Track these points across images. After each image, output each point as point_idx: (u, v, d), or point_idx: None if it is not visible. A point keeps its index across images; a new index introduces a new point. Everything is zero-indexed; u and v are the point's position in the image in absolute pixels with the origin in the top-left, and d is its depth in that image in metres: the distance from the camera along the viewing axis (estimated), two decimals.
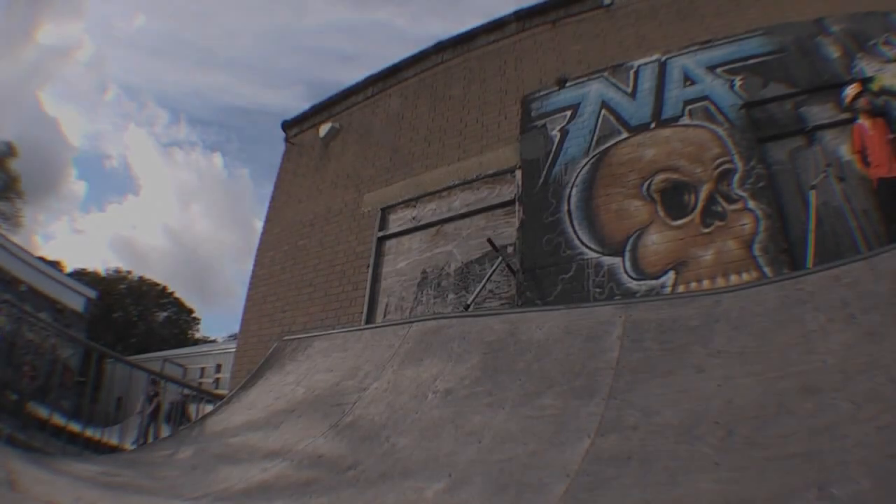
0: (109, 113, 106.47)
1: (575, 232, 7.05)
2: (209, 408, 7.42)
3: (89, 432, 7.24)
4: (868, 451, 2.19)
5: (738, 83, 6.84)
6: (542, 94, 8.39)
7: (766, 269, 5.75)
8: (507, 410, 3.46)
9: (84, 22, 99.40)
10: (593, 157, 7.41)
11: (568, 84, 8.20)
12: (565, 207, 7.28)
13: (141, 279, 45.97)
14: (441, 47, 10.12)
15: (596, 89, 7.89)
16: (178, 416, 9.96)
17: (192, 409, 10.47)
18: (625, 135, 7.32)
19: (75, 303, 22.57)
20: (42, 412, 7.20)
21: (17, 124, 59.46)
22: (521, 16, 9.31)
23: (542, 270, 7.06)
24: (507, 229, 7.78)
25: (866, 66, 6.22)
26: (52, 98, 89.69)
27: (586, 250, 6.86)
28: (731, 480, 2.31)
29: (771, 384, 2.83)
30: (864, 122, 5.72)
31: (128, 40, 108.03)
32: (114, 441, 8.85)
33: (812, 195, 5.72)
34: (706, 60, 7.22)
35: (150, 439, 9.94)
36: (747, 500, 2.18)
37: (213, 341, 40.72)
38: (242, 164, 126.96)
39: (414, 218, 8.82)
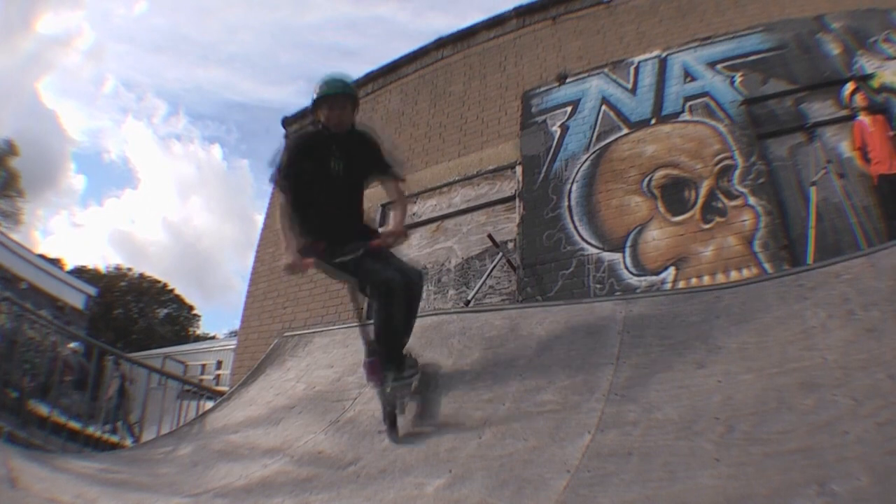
0: (108, 106, 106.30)
1: (575, 228, 7.05)
2: (209, 404, 7.43)
3: (89, 430, 7.25)
4: (868, 448, 2.19)
5: (738, 79, 6.84)
6: (542, 90, 8.38)
7: (767, 266, 5.76)
8: (508, 406, 3.46)
9: (84, 10, 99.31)
10: (594, 153, 7.41)
11: (568, 80, 8.19)
12: (566, 203, 7.28)
13: (141, 276, 45.97)
14: (441, 43, 10.11)
15: (596, 85, 7.89)
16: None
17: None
18: (625, 131, 7.32)
19: (76, 300, 22.54)
20: (42, 410, 7.21)
21: (15, 117, 59.36)
22: (522, 12, 9.30)
23: (542, 266, 7.07)
24: (507, 225, 7.79)
25: (867, 64, 6.22)
26: (50, 91, 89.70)
27: (587, 246, 6.87)
28: (730, 476, 2.32)
29: (771, 380, 2.83)
30: (864, 118, 5.72)
31: (128, 32, 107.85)
32: (114, 438, 8.86)
33: (812, 191, 5.72)
34: (706, 57, 7.22)
35: (120, 425, 9.96)
36: (747, 495, 2.18)
37: (214, 338, 40.75)
38: (242, 156, 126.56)
39: (414, 214, 8.81)
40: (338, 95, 3.74)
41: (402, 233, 3.97)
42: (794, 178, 6.16)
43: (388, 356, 3.76)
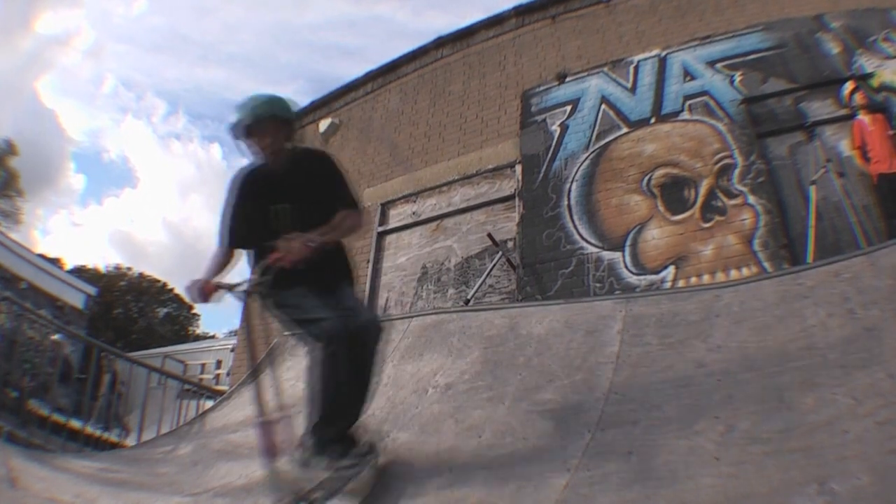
0: (107, 105, 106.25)
1: (575, 227, 7.05)
2: (209, 404, 7.43)
3: (89, 429, 7.25)
4: (868, 447, 2.19)
5: (737, 78, 6.84)
6: (541, 89, 8.38)
7: (766, 265, 5.76)
8: (508, 405, 3.46)
9: (83, 9, 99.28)
10: (593, 152, 7.41)
11: (568, 79, 8.19)
12: (565, 202, 7.28)
13: (141, 276, 45.94)
14: (440, 43, 10.09)
15: (596, 84, 7.88)
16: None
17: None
18: (625, 130, 7.32)
19: (75, 300, 22.52)
20: (42, 409, 7.21)
21: (14, 117, 59.33)
22: (521, 11, 9.28)
23: (542, 265, 7.07)
24: (507, 224, 7.78)
25: (866, 63, 6.22)
26: (50, 90, 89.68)
27: (586, 245, 6.87)
28: (730, 475, 2.32)
29: (771, 379, 2.83)
30: (864, 117, 5.72)
31: (127, 31, 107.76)
32: (113, 438, 8.87)
33: (812, 190, 5.72)
34: (706, 56, 7.21)
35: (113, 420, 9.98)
36: (747, 494, 2.19)
37: (213, 337, 40.71)
38: (241, 156, 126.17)
39: (414, 213, 8.82)
40: (254, 122, 3.06)
41: (304, 247, 2.79)
42: (794, 177, 6.16)
43: (322, 430, 2.91)
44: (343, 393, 2.87)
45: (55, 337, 11.26)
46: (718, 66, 7.05)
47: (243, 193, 3.20)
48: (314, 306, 2.93)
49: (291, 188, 3.11)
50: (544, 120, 8.08)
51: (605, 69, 7.91)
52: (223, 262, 3.22)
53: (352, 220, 3.19)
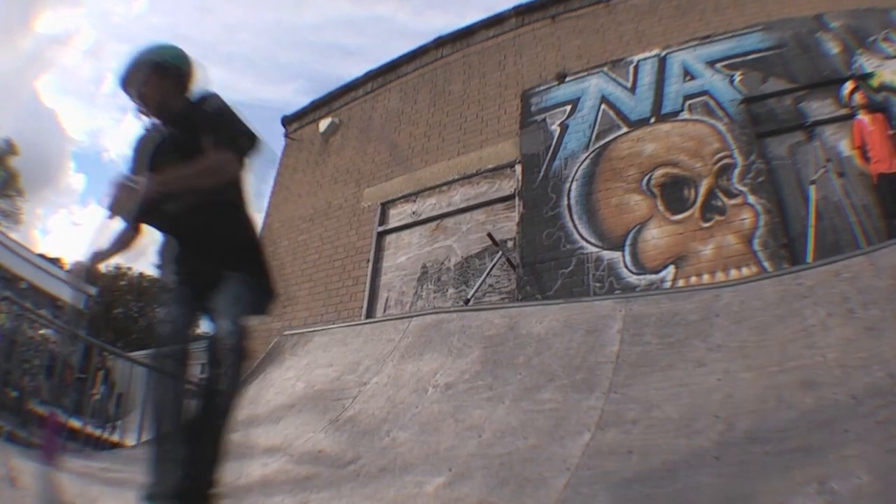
0: (108, 105, 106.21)
1: (575, 226, 7.04)
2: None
3: (90, 429, 7.23)
4: (868, 446, 2.19)
5: (737, 78, 6.83)
6: (541, 88, 8.38)
7: (766, 264, 5.75)
8: (508, 404, 3.46)
9: (83, 8, 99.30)
10: (593, 151, 7.41)
11: (567, 79, 8.19)
12: (565, 202, 7.27)
13: (141, 275, 45.88)
14: (440, 42, 10.10)
15: (595, 84, 7.88)
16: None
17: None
18: (624, 129, 7.31)
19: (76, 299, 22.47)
20: (42, 410, 7.19)
21: (15, 117, 59.31)
22: (521, 11, 9.29)
23: (542, 265, 7.06)
24: (506, 224, 7.78)
25: (866, 62, 6.22)
26: (50, 90, 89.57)
27: (586, 245, 6.86)
28: (730, 475, 2.32)
29: (771, 379, 2.84)
30: (863, 117, 5.72)
31: (127, 31, 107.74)
32: (114, 437, 8.86)
33: (812, 190, 5.72)
34: (706, 55, 7.21)
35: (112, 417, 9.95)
36: (747, 494, 2.19)
37: None
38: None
39: (414, 213, 8.81)
40: (131, 72, 2.52)
41: (127, 188, 2.18)
42: (794, 176, 6.16)
43: (149, 487, 2.18)
44: (170, 437, 2.21)
45: (42, 331, 11.24)
46: (718, 65, 7.05)
47: (136, 162, 2.65)
48: (167, 304, 2.42)
49: (180, 145, 2.45)
50: (544, 119, 8.08)
51: (605, 69, 7.91)
52: (126, 240, 2.79)
53: (213, 160, 2.32)
